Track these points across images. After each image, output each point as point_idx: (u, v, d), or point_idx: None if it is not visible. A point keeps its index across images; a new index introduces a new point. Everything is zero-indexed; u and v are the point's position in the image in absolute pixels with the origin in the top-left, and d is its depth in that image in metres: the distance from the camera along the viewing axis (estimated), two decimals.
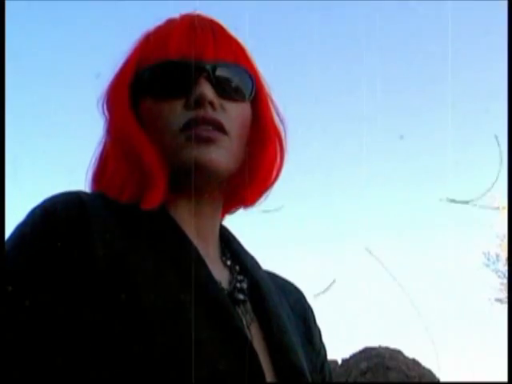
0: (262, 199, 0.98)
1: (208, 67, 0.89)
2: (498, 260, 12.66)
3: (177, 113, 0.88)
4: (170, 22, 0.95)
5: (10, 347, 0.75)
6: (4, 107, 0.95)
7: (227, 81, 0.91)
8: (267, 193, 0.98)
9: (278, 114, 0.98)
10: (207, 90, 0.88)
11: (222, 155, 0.88)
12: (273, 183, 0.97)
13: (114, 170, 0.91)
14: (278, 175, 0.97)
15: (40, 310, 0.76)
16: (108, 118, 0.94)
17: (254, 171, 0.94)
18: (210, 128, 0.87)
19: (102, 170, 0.94)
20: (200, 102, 0.88)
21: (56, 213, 0.82)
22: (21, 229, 0.83)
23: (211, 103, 0.88)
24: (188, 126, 0.87)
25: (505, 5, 1.22)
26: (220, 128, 0.88)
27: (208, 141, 0.87)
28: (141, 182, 0.87)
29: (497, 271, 12.69)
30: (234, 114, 0.90)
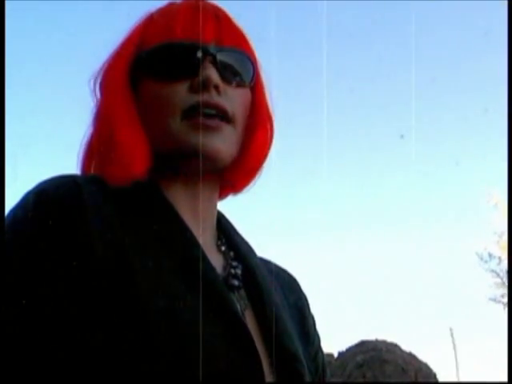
0: (251, 185, 0.99)
1: (213, 51, 0.89)
2: (491, 258, 12.65)
3: (181, 95, 0.88)
4: (173, 6, 0.95)
5: (4, 334, 0.75)
6: (4, 107, 0.95)
7: (230, 66, 0.91)
8: (256, 179, 0.99)
9: (271, 101, 0.98)
10: (213, 74, 0.88)
11: (226, 144, 0.88)
12: (261, 169, 0.98)
13: (103, 152, 0.90)
14: (264, 161, 0.98)
15: (34, 295, 0.76)
16: (100, 97, 0.93)
17: (245, 156, 0.95)
18: (214, 112, 0.87)
19: (92, 154, 0.93)
20: (206, 85, 0.87)
21: (49, 196, 0.81)
22: (14, 211, 0.82)
23: (216, 87, 0.88)
24: (192, 109, 0.87)
25: (505, 5, 1.23)
26: (224, 115, 0.88)
27: (212, 129, 0.87)
28: (123, 162, 0.87)
29: (491, 270, 12.67)
30: (237, 101, 0.91)
